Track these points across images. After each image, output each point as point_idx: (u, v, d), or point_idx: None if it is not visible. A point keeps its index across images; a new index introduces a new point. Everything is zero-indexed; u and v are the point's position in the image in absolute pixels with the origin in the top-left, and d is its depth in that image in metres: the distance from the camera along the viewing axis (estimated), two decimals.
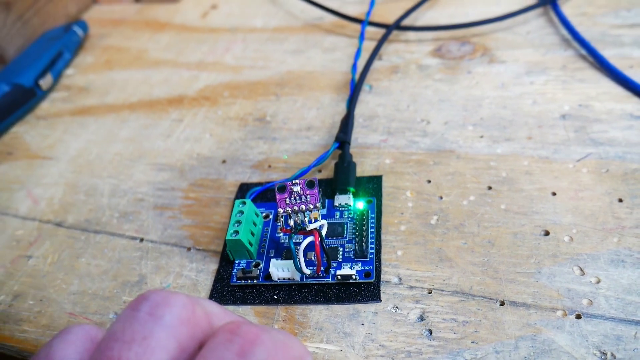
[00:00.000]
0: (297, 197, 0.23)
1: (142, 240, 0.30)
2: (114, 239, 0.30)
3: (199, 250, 0.29)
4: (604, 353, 0.21)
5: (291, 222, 0.23)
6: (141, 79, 0.43)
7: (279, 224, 0.23)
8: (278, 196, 0.23)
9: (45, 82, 0.42)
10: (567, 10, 0.40)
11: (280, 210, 0.23)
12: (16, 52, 0.45)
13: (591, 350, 0.21)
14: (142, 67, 0.45)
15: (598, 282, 0.23)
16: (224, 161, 0.34)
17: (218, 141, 0.35)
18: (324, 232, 0.25)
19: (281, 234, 0.27)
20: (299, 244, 0.24)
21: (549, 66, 0.36)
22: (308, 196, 0.23)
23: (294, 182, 0.23)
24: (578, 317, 0.22)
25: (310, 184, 0.23)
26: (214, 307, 0.18)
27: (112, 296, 0.27)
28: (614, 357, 0.21)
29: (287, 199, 0.23)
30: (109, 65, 0.46)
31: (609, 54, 0.35)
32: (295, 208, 0.23)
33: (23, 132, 0.40)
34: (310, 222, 0.24)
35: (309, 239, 0.24)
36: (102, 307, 0.27)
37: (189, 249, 0.29)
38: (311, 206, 0.23)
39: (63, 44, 0.45)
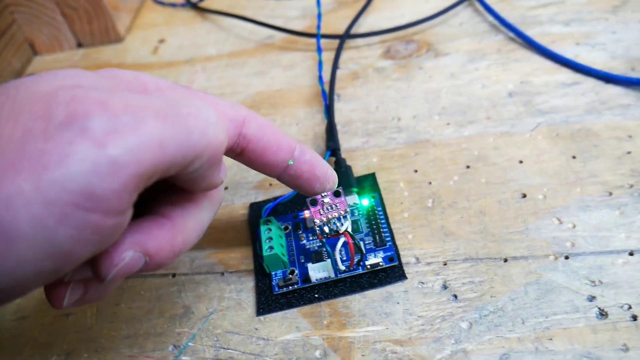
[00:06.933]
0: (329, 207, 0.26)
1: (174, 275, 0.32)
2: (146, 281, 0.32)
3: (232, 273, 0.31)
4: (592, 281, 0.27)
5: (326, 229, 0.27)
6: None
7: (316, 230, 0.26)
8: (312, 209, 0.27)
9: None
10: None
11: (317, 220, 0.26)
12: None
13: (583, 282, 0.27)
14: None
15: (574, 226, 0.29)
16: (226, 188, 0.36)
17: None
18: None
19: (304, 241, 0.31)
20: (333, 245, 0.28)
21: (487, 52, 0.41)
22: (337, 204, 0.26)
23: (322, 194, 0.27)
24: (567, 257, 0.28)
25: (337, 194, 0.27)
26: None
27: (165, 331, 0.30)
28: (601, 282, 0.26)
29: (320, 210, 0.26)
30: None
31: (533, 33, 0.41)
32: (329, 216, 0.26)
33: None
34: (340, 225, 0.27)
35: (342, 239, 0.27)
36: (158, 343, 0.29)
37: (222, 273, 0.32)
38: (342, 212, 0.26)
39: None
